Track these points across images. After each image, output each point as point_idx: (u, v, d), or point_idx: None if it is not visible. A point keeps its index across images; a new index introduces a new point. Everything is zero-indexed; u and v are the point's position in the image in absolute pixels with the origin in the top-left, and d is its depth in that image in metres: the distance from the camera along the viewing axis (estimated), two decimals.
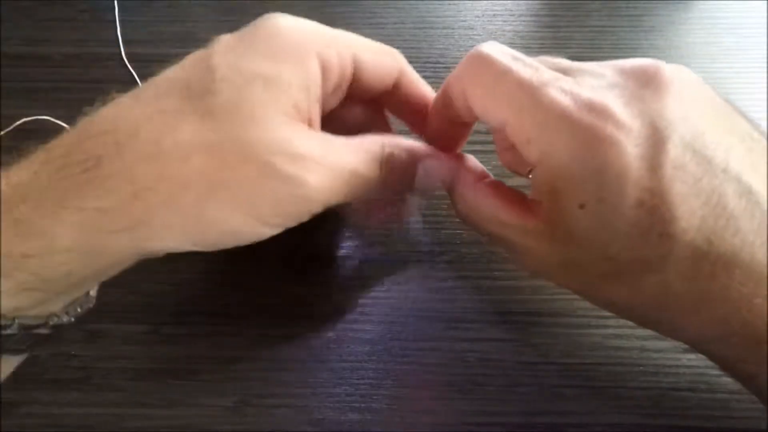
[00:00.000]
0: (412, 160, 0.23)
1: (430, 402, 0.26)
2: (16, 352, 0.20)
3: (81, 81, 0.36)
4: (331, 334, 0.28)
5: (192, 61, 0.20)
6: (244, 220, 0.19)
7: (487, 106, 0.21)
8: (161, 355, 0.27)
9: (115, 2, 0.39)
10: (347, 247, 0.30)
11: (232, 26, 0.41)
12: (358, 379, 0.27)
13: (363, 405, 0.26)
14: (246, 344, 0.27)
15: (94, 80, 0.36)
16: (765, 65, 0.36)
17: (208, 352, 0.27)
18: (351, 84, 0.23)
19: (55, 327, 0.20)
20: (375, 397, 0.26)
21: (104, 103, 0.20)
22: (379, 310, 0.28)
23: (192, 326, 0.28)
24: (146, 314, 0.28)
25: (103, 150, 0.18)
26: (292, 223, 0.21)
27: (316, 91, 0.21)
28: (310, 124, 0.21)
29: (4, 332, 0.18)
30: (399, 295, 0.29)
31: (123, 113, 0.19)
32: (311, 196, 0.20)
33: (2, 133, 0.33)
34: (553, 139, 0.19)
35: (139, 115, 0.19)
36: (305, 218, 0.21)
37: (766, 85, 0.35)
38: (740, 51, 0.37)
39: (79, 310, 0.21)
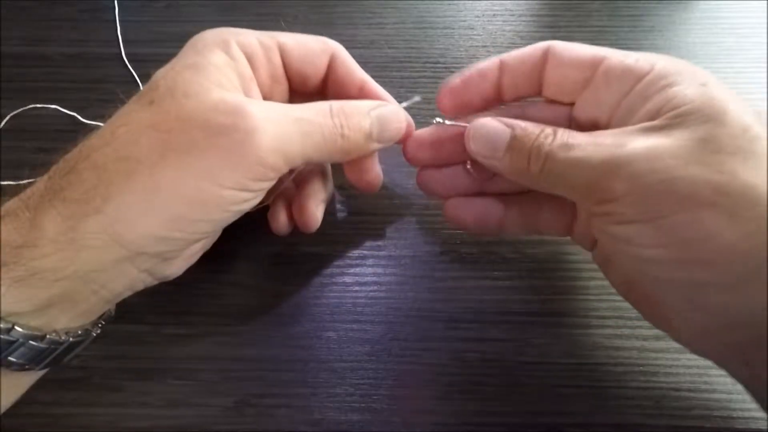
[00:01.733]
0: (366, 110, 0.24)
1: (430, 402, 0.26)
2: (17, 367, 0.20)
3: (81, 81, 0.36)
4: (331, 334, 0.28)
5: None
6: (200, 183, 0.20)
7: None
8: (161, 355, 0.27)
9: (115, 2, 0.39)
10: (347, 247, 0.30)
11: (232, 26, 0.40)
12: (358, 379, 0.27)
13: (363, 405, 0.26)
14: (246, 344, 0.27)
15: (94, 80, 0.36)
16: (765, 65, 0.36)
17: (208, 352, 0.27)
18: (287, 72, 0.25)
19: (53, 343, 0.21)
20: (375, 397, 0.26)
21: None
22: (379, 310, 0.28)
23: (192, 326, 0.28)
24: (146, 314, 0.28)
25: (80, 155, 0.21)
26: (254, 180, 0.21)
27: (247, 72, 0.23)
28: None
29: (4, 337, 0.19)
30: (399, 295, 0.29)
31: (97, 130, 0.22)
32: (258, 142, 0.20)
33: (1, 125, 0.34)
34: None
35: (106, 125, 0.22)
36: (269, 173, 0.21)
37: (766, 85, 0.35)
38: (740, 51, 0.37)
39: (79, 333, 0.22)
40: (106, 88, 0.36)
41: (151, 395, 0.26)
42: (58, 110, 0.34)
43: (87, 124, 0.34)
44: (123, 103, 0.22)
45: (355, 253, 0.29)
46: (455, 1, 0.40)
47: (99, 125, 0.33)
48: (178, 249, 0.23)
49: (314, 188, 0.27)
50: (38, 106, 0.34)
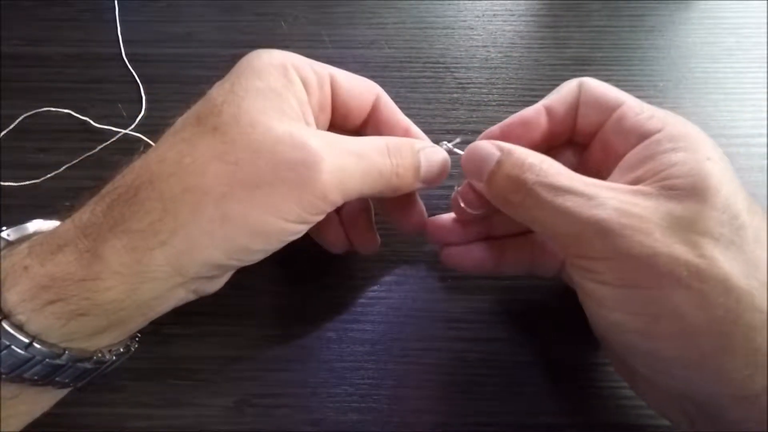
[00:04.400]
0: (417, 150, 0.24)
1: (430, 402, 0.26)
2: (61, 385, 0.20)
3: (81, 81, 0.36)
4: (331, 334, 0.28)
5: (198, 102, 0.22)
6: (265, 217, 0.20)
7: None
8: (161, 355, 0.27)
9: (115, 2, 0.39)
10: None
11: (232, 26, 0.41)
12: (358, 379, 0.27)
13: (363, 405, 0.26)
14: (246, 344, 0.27)
15: (94, 80, 0.36)
16: (765, 65, 0.36)
17: (208, 352, 0.27)
18: (333, 104, 0.25)
19: (99, 363, 0.21)
20: (375, 397, 0.26)
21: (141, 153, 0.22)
22: (379, 310, 0.28)
23: (192, 326, 0.28)
24: None
25: (139, 180, 0.20)
26: (313, 214, 0.21)
27: (304, 97, 0.23)
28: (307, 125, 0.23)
29: (54, 362, 0.19)
30: (399, 295, 0.29)
31: (153, 150, 0.21)
32: (324, 179, 0.20)
33: (4, 133, 0.34)
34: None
35: (165, 147, 0.21)
36: (327, 207, 0.21)
37: (766, 85, 0.35)
38: (741, 51, 0.37)
39: (121, 350, 0.22)
40: (106, 88, 0.36)
41: (151, 395, 0.26)
42: (61, 112, 0.34)
43: (95, 128, 0.34)
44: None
45: (355, 252, 0.29)
46: (455, 1, 0.40)
47: (106, 129, 0.34)
48: (229, 272, 0.23)
49: (368, 216, 0.28)
50: (52, 109, 0.34)
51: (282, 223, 0.20)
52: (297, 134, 0.20)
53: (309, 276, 0.29)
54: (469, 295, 0.29)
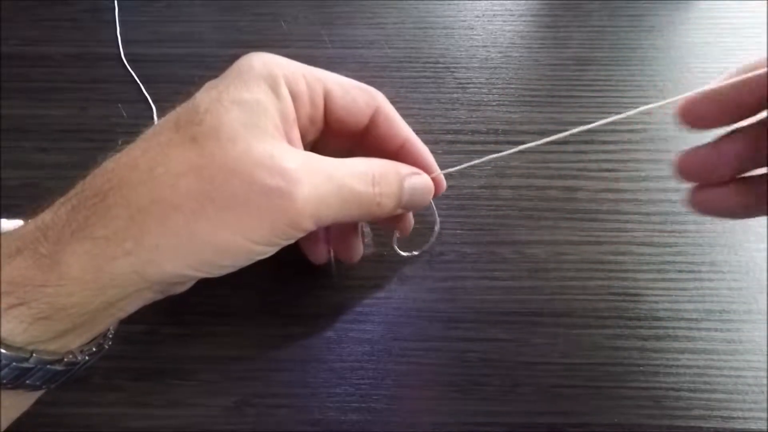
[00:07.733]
0: (402, 177, 0.24)
1: (430, 402, 0.26)
2: (32, 388, 0.20)
3: (81, 81, 0.36)
4: (331, 334, 0.28)
5: (182, 103, 0.22)
6: (233, 238, 0.20)
7: None
8: (161, 355, 0.27)
9: (115, 2, 0.39)
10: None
11: (232, 26, 0.41)
12: (358, 379, 0.27)
13: (363, 405, 0.26)
14: (246, 344, 0.27)
15: (94, 80, 0.36)
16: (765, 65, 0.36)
17: (208, 352, 0.27)
18: (326, 117, 0.25)
19: (70, 364, 0.20)
20: (375, 397, 0.26)
21: (117, 150, 0.21)
22: (379, 310, 0.28)
23: (192, 326, 0.28)
24: (146, 314, 0.28)
25: (109, 185, 0.19)
26: (284, 239, 0.21)
27: (291, 114, 0.23)
28: (291, 144, 0.22)
29: (22, 365, 0.19)
30: (399, 295, 0.29)
31: (126, 152, 0.21)
32: (298, 208, 0.20)
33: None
34: None
35: (139, 151, 0.20)
36: (298, 234, 0.21)
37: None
38: (741, 51, 0.37)
39: (94, 349, 0.22)
40: (106, 88, 0.36)
41: (151, 395, 0.26)
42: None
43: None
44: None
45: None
46: (455, 1, 0.40)
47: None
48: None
49: (356, 230, 0.28)
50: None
51: (250, 245, 0.20)
52: (277, 157, 0.20)
53: (309, 276, 0.29)
54: (469, 295, 0.29)
